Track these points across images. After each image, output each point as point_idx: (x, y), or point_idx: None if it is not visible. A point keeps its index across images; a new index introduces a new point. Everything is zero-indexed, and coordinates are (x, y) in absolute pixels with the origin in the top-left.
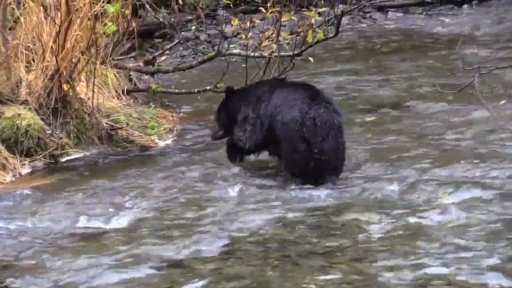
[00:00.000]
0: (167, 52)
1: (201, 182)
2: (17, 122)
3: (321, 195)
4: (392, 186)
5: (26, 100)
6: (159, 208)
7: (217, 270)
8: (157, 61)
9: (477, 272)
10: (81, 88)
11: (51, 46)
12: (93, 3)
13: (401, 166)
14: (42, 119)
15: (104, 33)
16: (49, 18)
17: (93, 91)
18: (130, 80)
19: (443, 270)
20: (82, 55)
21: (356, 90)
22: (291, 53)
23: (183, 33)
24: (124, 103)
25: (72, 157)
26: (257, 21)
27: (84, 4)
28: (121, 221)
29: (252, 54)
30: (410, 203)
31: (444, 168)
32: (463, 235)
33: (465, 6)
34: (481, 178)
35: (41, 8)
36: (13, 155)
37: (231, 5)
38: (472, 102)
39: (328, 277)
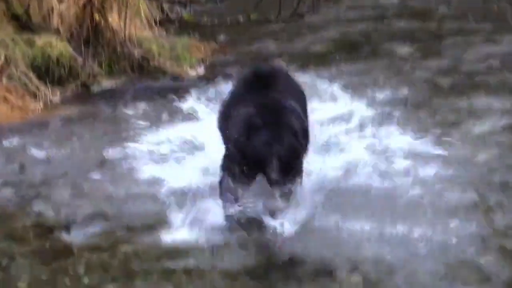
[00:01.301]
0: None
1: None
2: (49, 50)
3: None
4: None
5: (58, 30)
6: (187, 143)
7: None
8: None
9: None
10: (113, 18)
11: None
12: None
13: None
14: (73, 48)
15: None
16: None
17: (125, 21)
18: (162, 10)
19: None
20: None
21: None
22: None
23: None
24: (156, 33)
25: (103, 86)
26: None
27: None
28: (150, 152)
29: None
30: None
31: None
32: None
33: None
34: None
35: None
36: (44, 84)
37: None
38: None
39: None
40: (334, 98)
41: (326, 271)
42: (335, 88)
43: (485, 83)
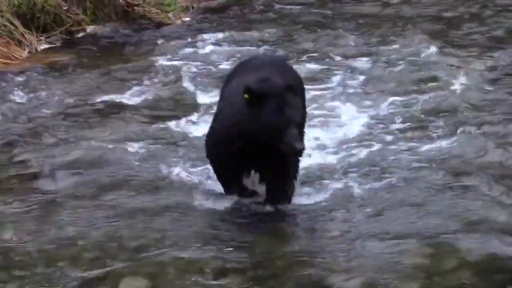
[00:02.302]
0: None
1: (217, 62)
2: None
3: None
4: None
5: None
6: (173, 87)
7: None
8: None
9: None
10: None
11: None
12: None
13: None
14: None
15: None
16: None
17: None
18: None
19: None
20: None
21: None
22: None
23: None
24: None
25: (88, 33)
26: None
27: None
28: (136, 98)
29: None
30: None
31: None
32: None
33: None
34: None
35: None
36: (29, 31)
37: None
38: None
39: None
40: None
41: None
42: None
43: None
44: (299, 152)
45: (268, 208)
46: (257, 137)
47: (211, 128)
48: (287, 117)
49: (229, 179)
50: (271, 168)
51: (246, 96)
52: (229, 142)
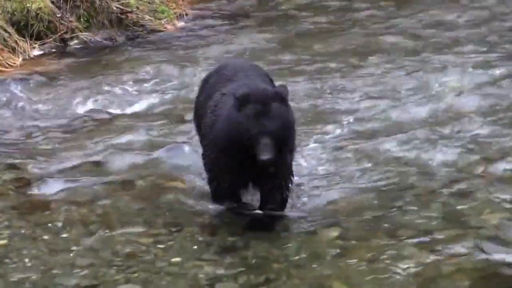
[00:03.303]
0: None
1: (210, 68)
2: (27, 5)
3: None
4: None
5: None
6: (168, 94)
7: None
8: None
9: None
10: None
11: None
12: None
13: None
14: (52, 2)
15: None
16: None
17: None
18: None
19: None
20: None
21: None
22: None
23: None
24: None
25: (82, 40)
26: None
27: None
28: (130, 107)
29: None
30: None
31: None
32: None
33: None
34: None
35: None
36: (23, 38)
37: None
38: None
39: None
40: None
41: None
42: None
43: None
44: (264, 163)
45: (262, 214)
46: (235, 142)
47: (208, 141)
48: (260, 126)
49: (228, 192)
50: (264, 176)
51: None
52: (226, 154)
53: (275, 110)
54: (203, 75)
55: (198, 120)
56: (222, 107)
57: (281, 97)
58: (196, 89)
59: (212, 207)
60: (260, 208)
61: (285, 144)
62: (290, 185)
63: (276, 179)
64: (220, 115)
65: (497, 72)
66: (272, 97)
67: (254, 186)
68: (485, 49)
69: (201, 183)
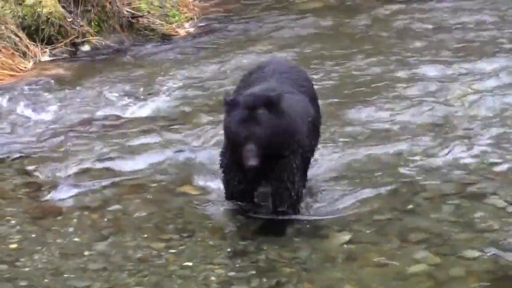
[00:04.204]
0: None
1: (220, 73)
2: (38, 9)
3: None
4: None
5: None
6: (179, 98)
7: None
8: None
9: None
10: None
11: None
12: None
13: None
14: (63, 6)
15: None
16: None
17: None
18: None
19: None
20: None
21: None
22: None
23: None
24: None
25: (93, 45)
26: None
27: None
28: (140, 110)
29: None
30: None
31: None
32: None
33: None
34: None
35: None
36: (33, 43)
37: None
38: None
39: None
40: None
41: None
42: None
43: None
44: (248, 169)
45: (274, 216)
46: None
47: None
48: (245, 131)
49: (239, 191)
50: (275, 177)
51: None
52: (231, 155)
53: (262, 116)
54: (213, 79)
55: None
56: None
57: (271, 103)
58: (205, 93)
59: (222, 210)
60: (272, 211)
61: (278, 150)
62: (300, 187)
63: (282, 182)
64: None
65: (509, 74)
66: (261, 103)
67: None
68: (496, 52)
69: (212, 187)
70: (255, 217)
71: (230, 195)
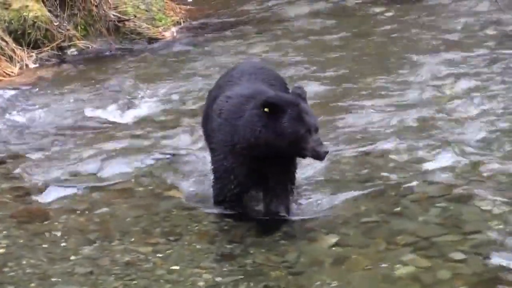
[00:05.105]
0: None
1: (207, 76)
2: (24, 13)
3: None
4: None
5: None
6: (165, 102)
7: None
8: None
9: None
10: None
11: None
12: None
13: None
14: (49, 11)
15: None
16: None
17: None
18: None
19: None
20: None
21: None
22: None
23: None
24: None
25: (80, 49)
26: None
27: None
28: (127, 114)
29: None
30: None
31: None
32: None
33: None
34: None
35: None
36: (20, 47)
37: None
38: None
39: None
40: None
41: None
42: None
43: None
44: (324, 155)
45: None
46: (274, 147)
47: (218, 144)
48: (308, 123)
49: (232, 195)
50: (273, 180)
51: (265, 109)
52: (243, 156)
53: (308, 108)
54: (200, 83)
55: (205, 123)
56: (230, 112)
57: (303, 96)
58: (192, 97)
59: (210, 214)
60: (265, 213)
61: None
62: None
63: (284, 183)
64: (231, 119)
65: (494, 77)
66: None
67: (259, 190)
68: (481, 54)
69: (199, 191)
70: (242, 220)
71: (222, 199)
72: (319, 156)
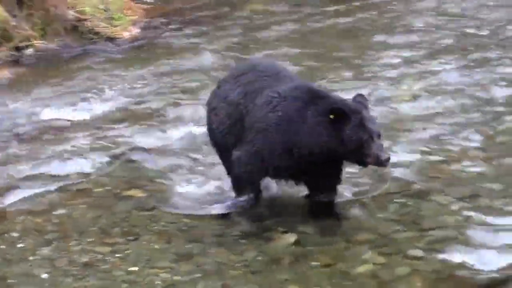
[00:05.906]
0: None
1: (164, 75)
2: None
3: None
4: None
5: None
6: (122, 101)
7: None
8: None
9: None
10: None
11: None
12: None
13: None
14: (7, 10)
15: None
16: None
17: None
18: None
19: None
20: None
21: None
22: None
23: None
24: None
25: (37, 49)
26: None
27: None
28: (85, 114)
29: None
30: None
31: None
32: None
33: None
34: None
35: None
36: None
37: None
38: None
39: None
40: None
41: None
42: None
43: None
44: (386, 161)
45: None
46: (335, 154)
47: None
48: (370, 130)
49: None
50: (322, 180)
51: (331, 116)
52: (288, 155)
53: (370, 115)
54: (158, 81)
55: (233, 114)
56: (289, 111)
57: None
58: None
59: (168, 213)
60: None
61: None
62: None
63: (332, 184)
64: (290, 120)
65: (453, 75)
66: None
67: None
68: (441, 53)
69: (157, 190)
70: (202, 220)
71: (246, 189)
72: (381, 163)
